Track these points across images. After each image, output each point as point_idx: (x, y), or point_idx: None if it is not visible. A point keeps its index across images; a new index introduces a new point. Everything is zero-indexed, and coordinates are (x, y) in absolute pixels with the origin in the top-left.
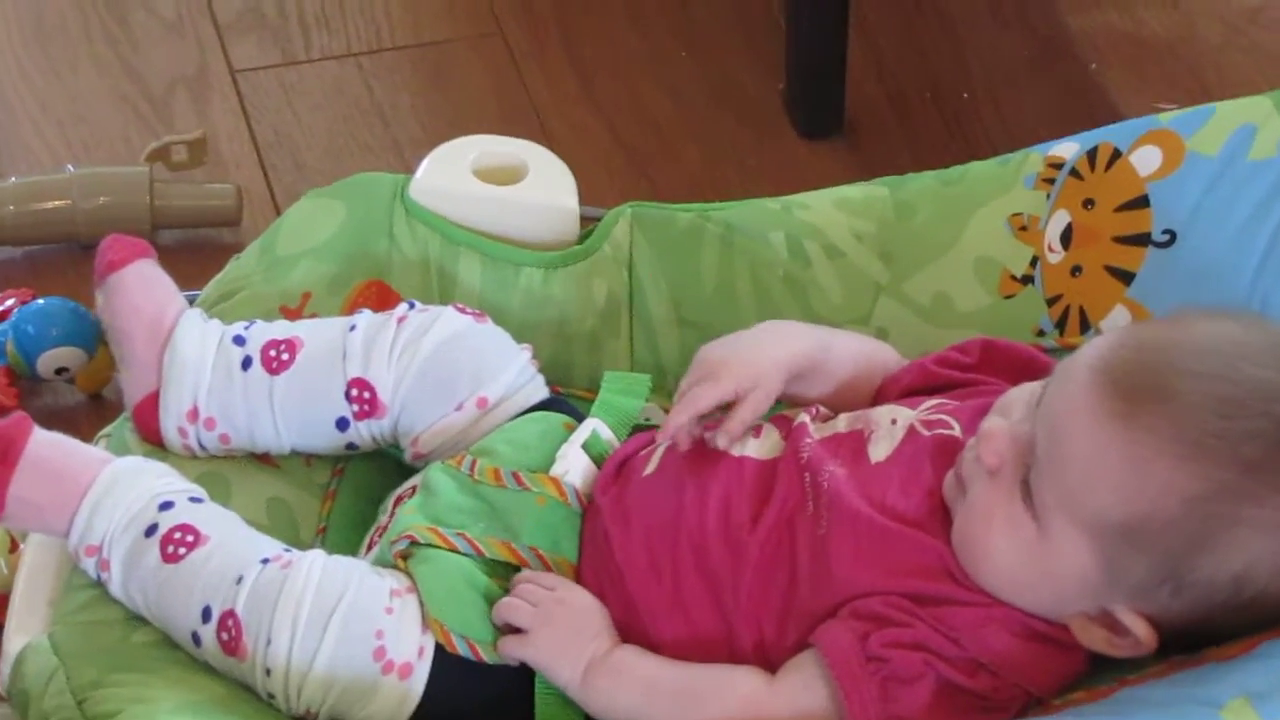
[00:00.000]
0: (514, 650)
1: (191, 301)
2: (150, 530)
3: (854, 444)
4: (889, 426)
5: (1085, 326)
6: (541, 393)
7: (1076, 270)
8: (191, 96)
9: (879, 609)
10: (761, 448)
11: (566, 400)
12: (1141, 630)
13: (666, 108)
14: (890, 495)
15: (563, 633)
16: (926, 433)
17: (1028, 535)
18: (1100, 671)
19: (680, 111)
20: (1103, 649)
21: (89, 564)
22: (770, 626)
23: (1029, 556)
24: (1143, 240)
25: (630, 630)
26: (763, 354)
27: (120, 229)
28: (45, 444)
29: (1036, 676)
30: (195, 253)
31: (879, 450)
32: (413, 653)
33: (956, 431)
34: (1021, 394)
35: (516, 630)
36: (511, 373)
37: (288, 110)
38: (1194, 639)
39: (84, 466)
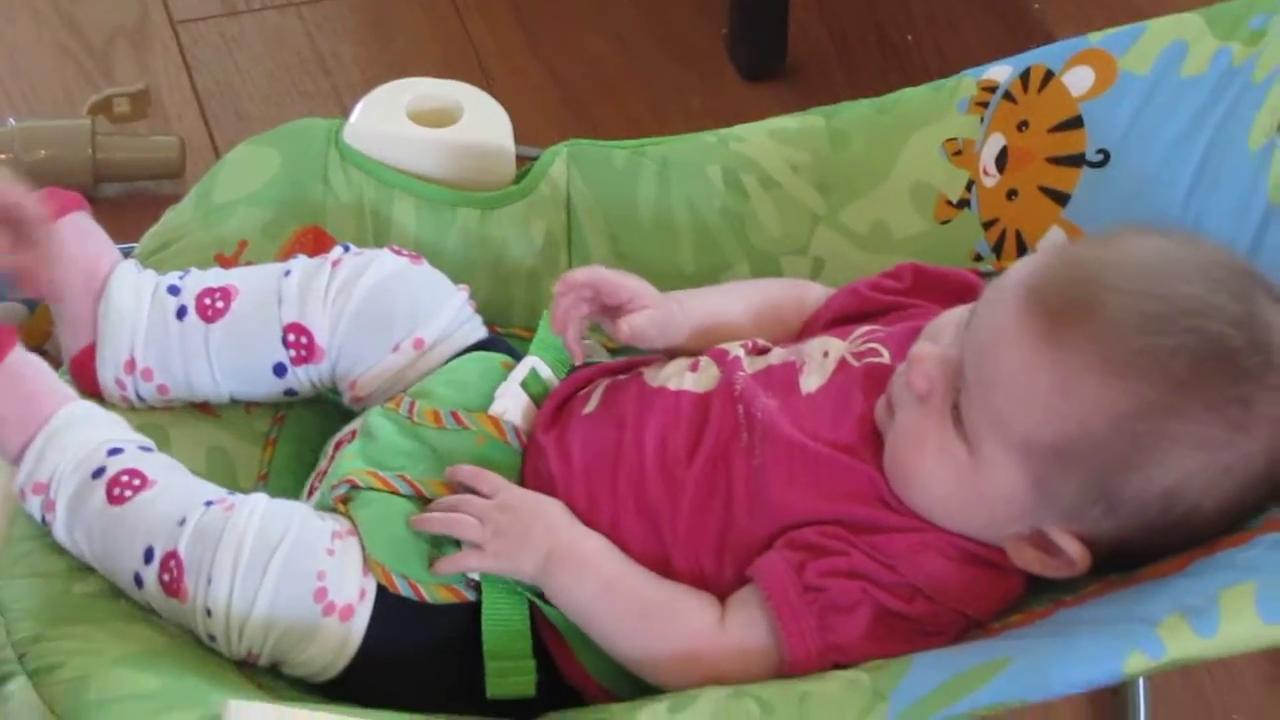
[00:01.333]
0: (468, 564)
1: (132, 254)
2: (98, 473)
3: (786, 376)
4: (820, 359)
5: (1022, 249)
6: (479, 333)
7: (1012, 194)
8: (132, 47)
9: (814, 539)
10: (698, 381)
11: (505, 340)
12: (1074, 550)
13: (609, 53)
14: (822, 425)
15: (513, 538)
16: (857, 363)
17: (959, 459)
18: (1037, 594)
19: (623, 56)
20: (1037, 570)
21: (34, 504)
22: (708, 559)
23: (961, 480)
24: (1077, 161)
25: None
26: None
27: (62, 183)
28: (24, 363)
29: (973, 600)
30: (138, 205)
31: (810, 382)
32: (354, 595)
33: (886, 358)
34: (951, 317)
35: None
36: (448, 313)
37: (229, 61)
38: (1128, 558)
39: (51, 395)
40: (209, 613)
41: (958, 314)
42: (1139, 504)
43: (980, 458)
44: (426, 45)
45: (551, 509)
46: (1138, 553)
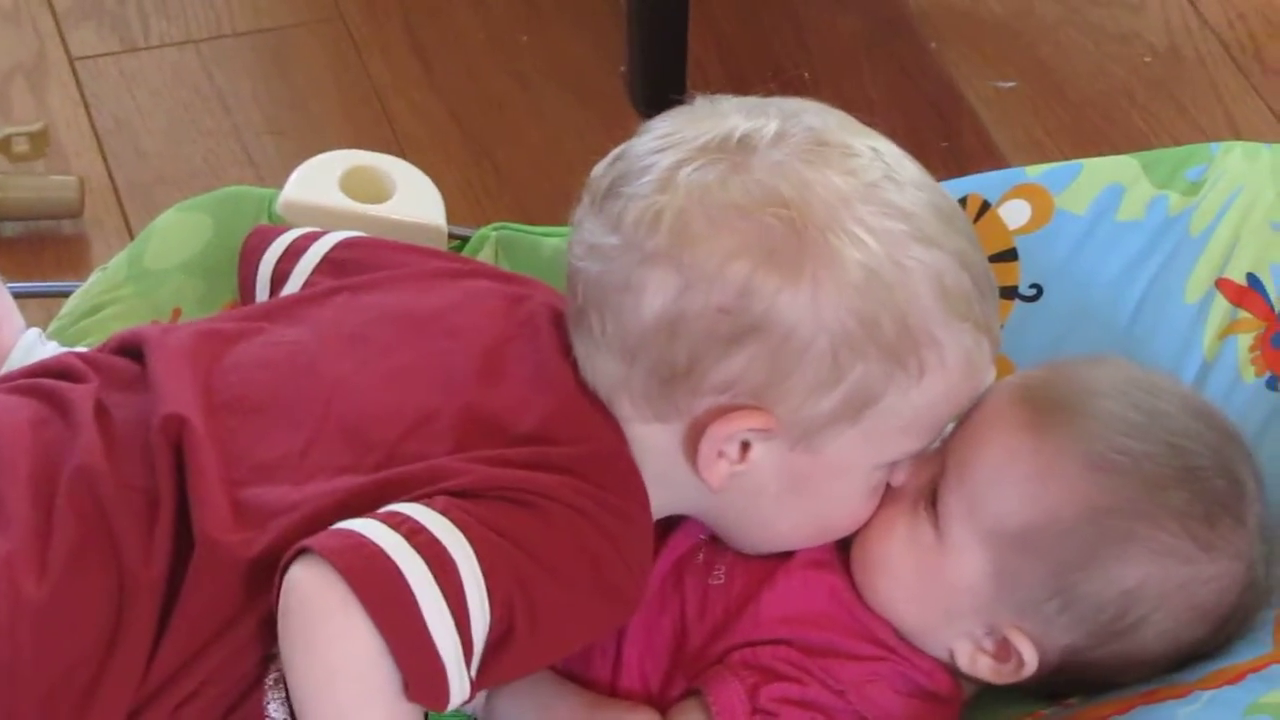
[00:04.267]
0: None
1: (30, 294)
2: None
3: None
4: None
5: None
6: None
7: None
8: (29, 85)
9: (769, 661)
10: None
11: None
12: (1026, 649)
13: (509, 90)
14: None
15: None
16: None
17: (926, 542)
18: None
19: (522, 94)
20: (984, 675)
21: None
22: (656, 679)
23: (924, 564)
24: (1010, 293)
25: None
26: None
27: None
28: None
29: None
30: (36, 244)
31: None
32: None
33: None
34: None
35: None
36: None
37: (128, 98)
38: (1071, 674)
39: None
40: None
41: None
42: (1094, 604)
43: (946, 542)
44: (325, 83)
45: None
46: (1081, 668)
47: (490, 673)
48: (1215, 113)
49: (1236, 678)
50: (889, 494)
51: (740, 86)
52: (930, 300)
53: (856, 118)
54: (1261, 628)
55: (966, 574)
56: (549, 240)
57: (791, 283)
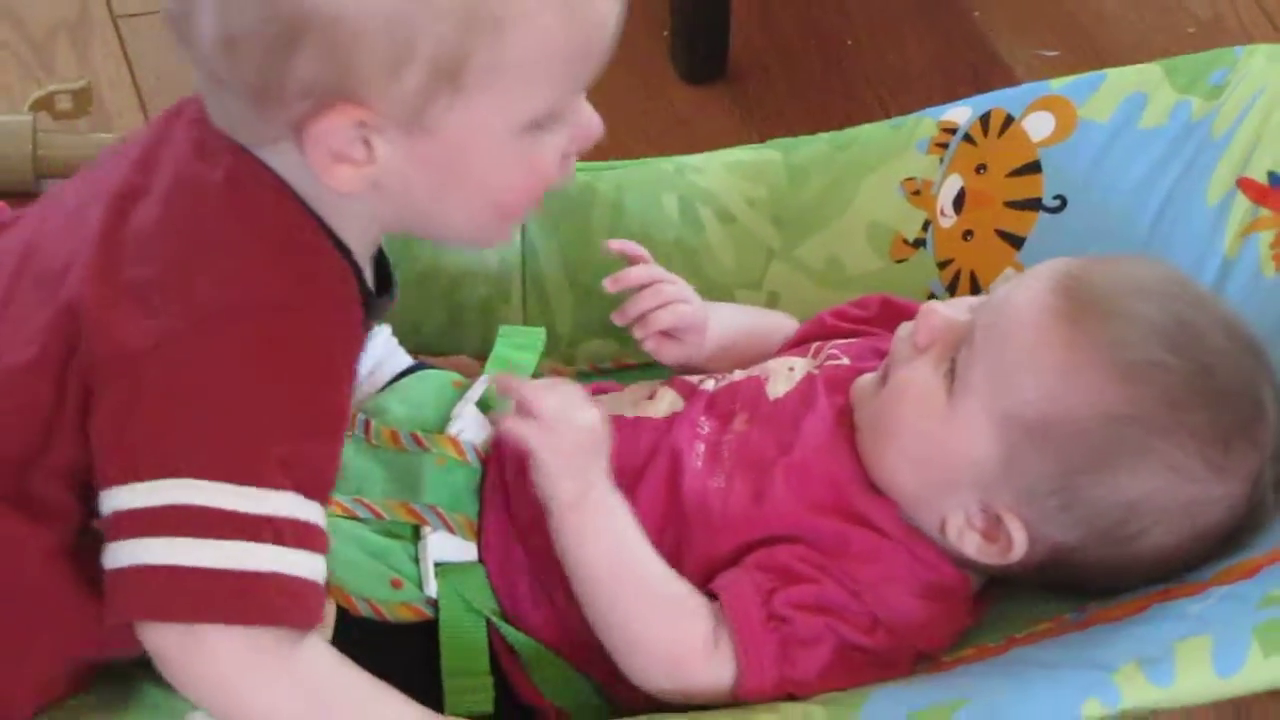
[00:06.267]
0: (524, 434)
1: None
2: None
3: (753, 386)
4: (786, 373)
5: (976, 290)
6: (406, 361)
7: (968, 234)
8: (73, 42)
9: (786, 560)
10: (656, 408)
11: (432, 368)
12: (1018, 535)
13: None
14: (786, 428)
15: (571, 455)
16: (819, 372)
17: (937, 406)
18: (989, 629)
19: None
20: (970, 552)
21: None
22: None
23: (933, 428)
24: (1034, 205)
25: (536, 580)
26: None
27: (3, 179)
28: None
29: (929, 636)
30: None
31: (777, 388)
32: None
33: (846, 361)
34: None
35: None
36: (376, 345)
37: (171, 55)
38: (1061, 571)
39: None
40: None
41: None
42: (1096, 509)
43: (958, 411)
44: None
45: (608, 459)
46: (1067, 567)
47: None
48: None
49: (1251, 571)
50: (908, 357)
51: (783, 52)
52: None
53: (899, 85)
54: (1277, 523)
55: (974, 448)
56: (577, 175)
57: None
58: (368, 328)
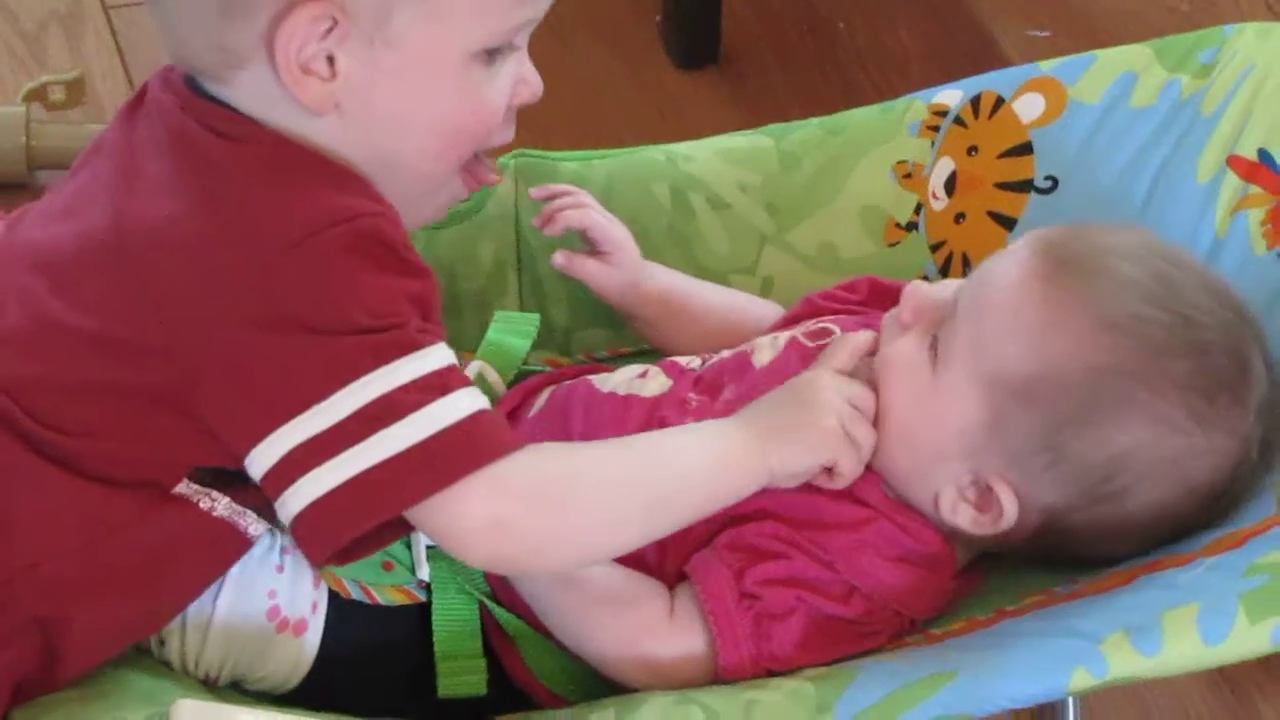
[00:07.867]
0: None
1: None
2: None
3: (739, 359)
4: (771, 342)
5: (968, 272)
6: None
7: (960, 217)
8: (65, 33)
9: (753, 539)
10: (646, 387)
11: None
12: (1008, 501)
13: (541, 41)
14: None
15: None
16: (810, 343)
17: (923, 377)
18: (979, 601)
19: (555, 46)
20: (965, 525)
21: None
22: (651, 553)
23: (919, 399)
24: (1025, 186)
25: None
26: None
27: None
28: None
29: (909, 600)
30: None
31: (762, 357)
32: (306, 609)
33: (837, 331)
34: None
35: None
36: None
37: (162, 46)
38: (1052, 537)
39: None
40: (162, 642)
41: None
42: (1083, 463)
43: (943, 380)
44: None
45: None
46: (1062, 533)
47: None
48: None
49: (1239, 542)
50: (895, 335)
51: (776, 37)
52: None
53: (892, 67)
54: (1264, 494)
55: (961, 416)
56: (567, 164)
57: None
58: None
